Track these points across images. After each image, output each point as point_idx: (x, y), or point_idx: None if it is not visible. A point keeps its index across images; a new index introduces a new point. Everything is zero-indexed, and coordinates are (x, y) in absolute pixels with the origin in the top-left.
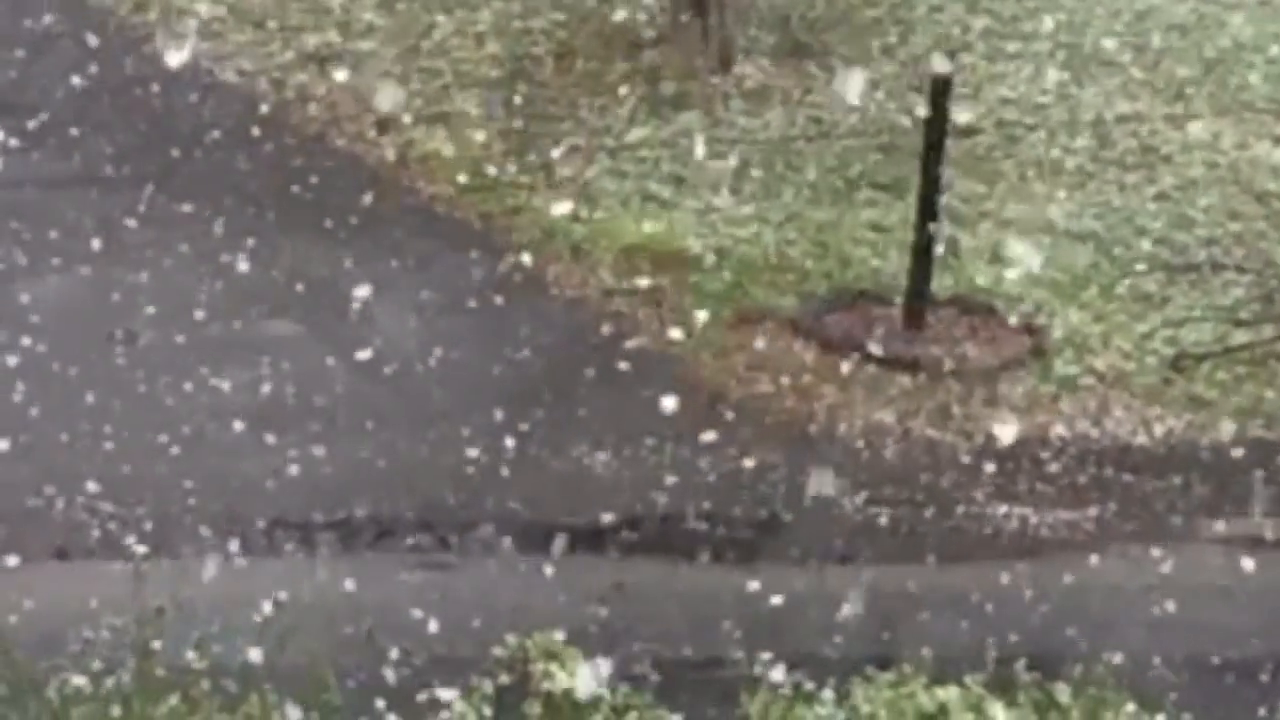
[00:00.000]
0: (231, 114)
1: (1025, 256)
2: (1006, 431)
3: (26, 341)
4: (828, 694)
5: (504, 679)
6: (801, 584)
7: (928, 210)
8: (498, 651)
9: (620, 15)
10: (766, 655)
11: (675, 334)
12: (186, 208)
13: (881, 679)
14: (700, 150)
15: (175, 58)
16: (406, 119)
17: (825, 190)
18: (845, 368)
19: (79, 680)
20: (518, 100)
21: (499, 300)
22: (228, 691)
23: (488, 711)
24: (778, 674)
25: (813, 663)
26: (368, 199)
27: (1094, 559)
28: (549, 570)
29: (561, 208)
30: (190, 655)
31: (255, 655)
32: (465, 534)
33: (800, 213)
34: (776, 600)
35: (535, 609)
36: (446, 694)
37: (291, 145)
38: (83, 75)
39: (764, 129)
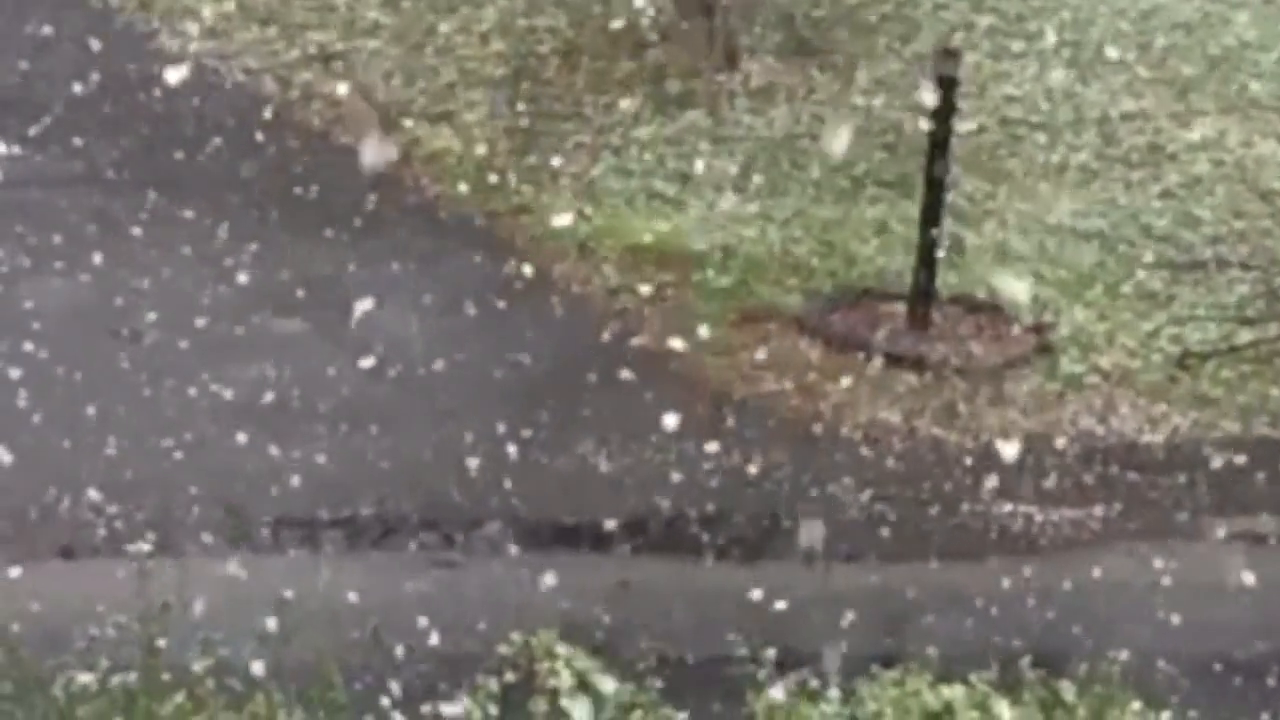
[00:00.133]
0: (236, 112)
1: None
2: (1009, 448)
3: (29, 343)
4: (833, 692)
5: (509, 677)
6: (807, 583)
7: (933, 208)
8: (503, 650)
9: (625, 14)
10: (772, 653)
11: (680, 333)
12: (191, 207)
13: (887, 677)
14: (705, 148)
15: (179, 56)
16: (410, 120)
17: (830, 188)
18: (851, 366)
19: (85, 678)
20: (522, 99)
21: (503, 300)
22: (233, 690)
23: (493, 710)
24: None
25: (819, 660)
26: (372, 198)
27: (1099, 557)
28: (554, 569)
29: (563, 219)
30: (195, 654)
31: (260, 654)
32: (470, 533)
33: (805, 211)
34: (782, 599)
35: (540, 607)
36: (451, 693)
37: (296, 144)
38: (86, 75)
39: (769, 127)
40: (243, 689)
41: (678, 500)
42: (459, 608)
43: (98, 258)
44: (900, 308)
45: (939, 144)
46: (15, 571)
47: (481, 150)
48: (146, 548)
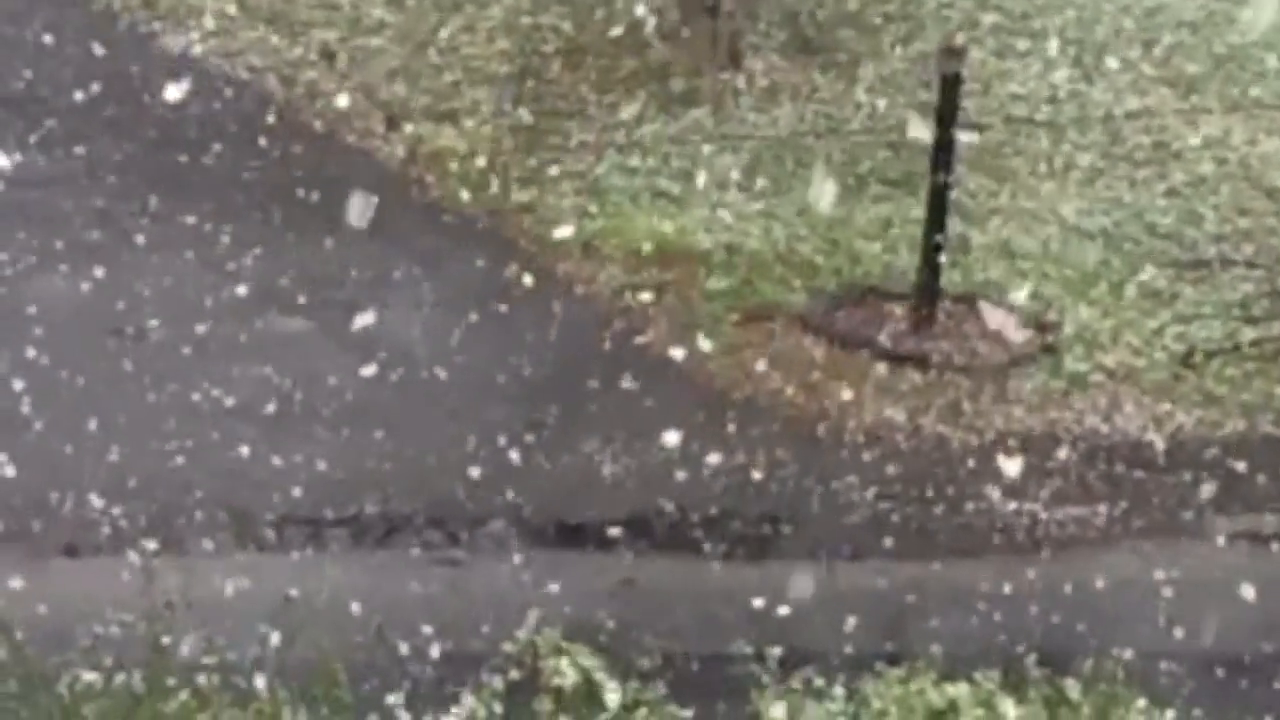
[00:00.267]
0: (241, 111)
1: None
2: (1012, 465)
3: (33, 343)
4: (838, 690)
5: (514, 675)
6: (812, 580)
7: (937, 206)
8: (508, 648)
9: (629, 14)
10: (776, 652)
11: (684, 332)
12: (194, 208)
13: (892, 675)
14: (709, 147)
15: (183, 55)
16: (414, 119)
17: (835, 186)
18: (855, 364)
19: (90, 676)
20: (526, 98)
21: (507, 299)
22: (237, 687)
23: (498, 707)
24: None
25: (823, 659)
26: (377, 195)
27: (1104, 556)
28: (558, 568)
29: (564, 231)
30: (200, 652)
31: (265, 652)
32: (475, 531)
33: (810, 209)
34: (786, 598)
35: (545, 606)
36: (456, 691)
37: (300, 142)
38: (90, 77)
39: (773, 125)
40: (247, 687)
41: (682, 499)
42: (463, 606)
43: (102, 258)
44: (905, 306)
45: (943, 143)
46: (20, 570)
47: (485, 149)
48: (151, 547)
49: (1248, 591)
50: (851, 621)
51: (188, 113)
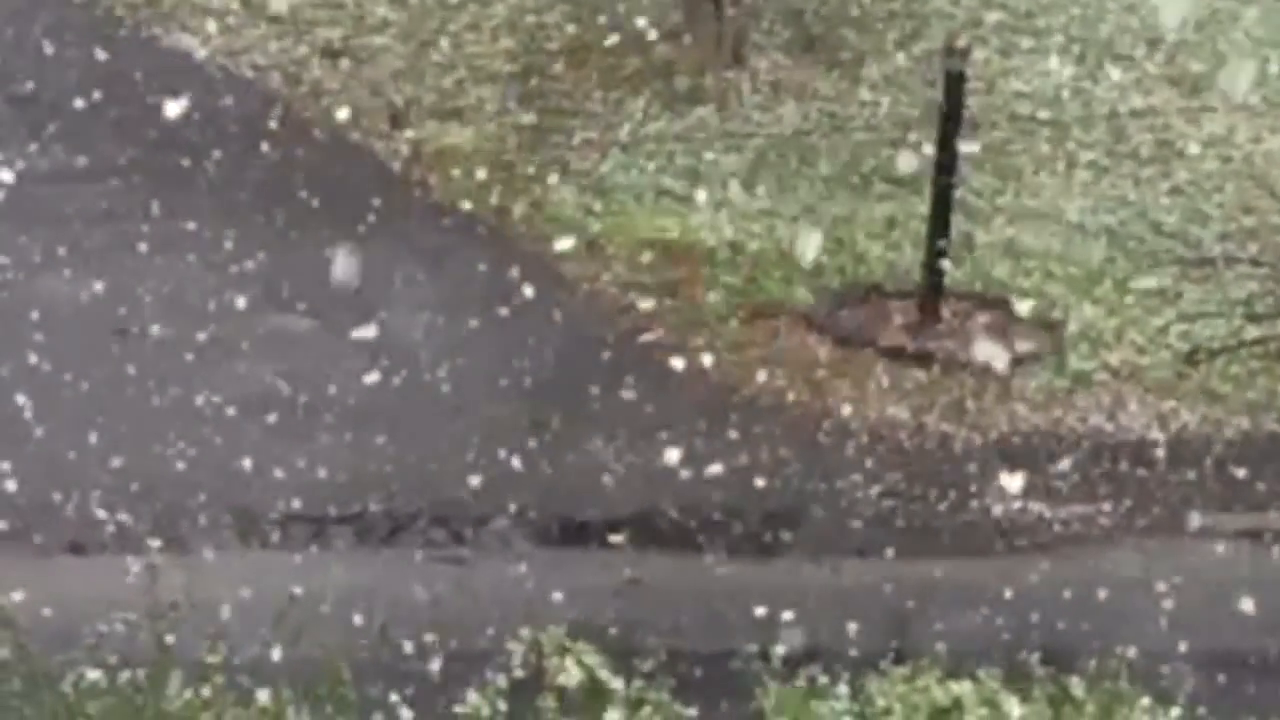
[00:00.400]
0: (244, 110)
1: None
2: (1014, 481)
3: (38, 342)
4: (842, 688)
5: (518, 673)
6: (816, 579)
7: (941, 205)
8: (512, 646)
9: (634, 9)
10: (781, 650)
11: (689, 328)
12: (198, 207)
13: (896, 673)
14: (714, 145)
15: (188, 54)
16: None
17: (839, 184)
18: (859, 362)
19: (94, 675)
20: (531, 96)
21: (511, 298)
22: (241, 686)
23: (502, 706)
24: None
25: (828, 657)
26: (381, 194)
27: (1108, 554)
28: (563, 565)
29: (564, 244)
30: (204, 650)
31: (269, 650)
32: (479, 529)
33: (814, 207)
34: (791, 596)
35: (549, 604)
36: (460, 690)
37: (304, 141)
38: (93, 75)
39: (777, 123)
40: (251, 686)
41: (686, 498)
42: (468, 605)
43: (105, 261)
44: (909, 304)
45: (947, 140)
46: (24, 569)
47: (490, 148)
48: (156, 545)
49: (1252, 590)
50: (855, 620)
51: (190, 113)
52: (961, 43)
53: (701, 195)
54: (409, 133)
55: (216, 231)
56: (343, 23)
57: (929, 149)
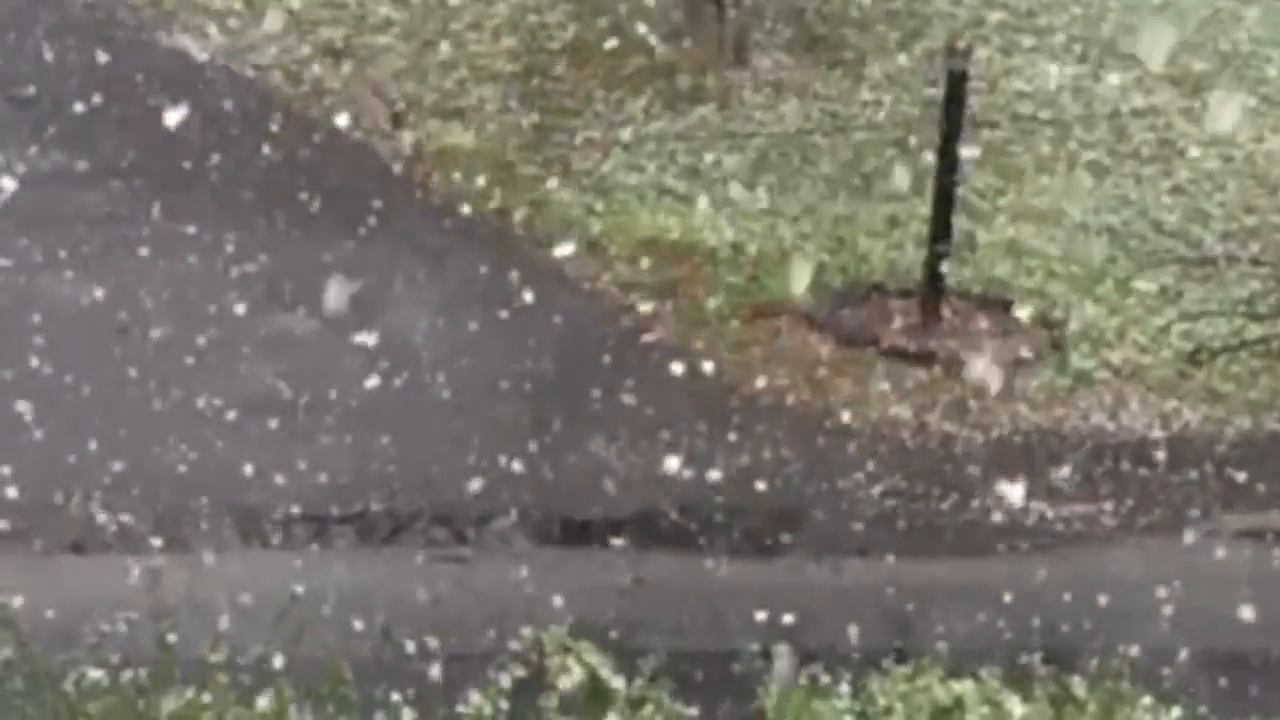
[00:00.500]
0: (246, 110)
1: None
2: (1015, 481)
3: (39, 347)
4: (844, 688)
5: (520, 673)
6: (818, 578)
7: (943, 204)
8: (514, 646)
9: (635, 9)
10: (783, 649)
11: (691, 327)
12: (200, 207)
13: (897, 672)
14: (716, 144)
15: (190, 53)
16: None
17: (841, 184)
18: (861, 362)
19: (96, 674)
20: (533, 95)
21: (513, 297)
22: (243, 685)
23: (504, 705)
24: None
25: (830, 656)
26: (383, 193)
27: (1110, 553)
28: (565, 564)
29: (564, 250)
30: (206, 649)
31: (271, 649)
32: (481, 528)
33: (816, 206)
34: (793, 595)
35: (551, 603)
36: (462, 689)
37: (306, 141)
38: (95, 75)
39: (779, 123)
40: (253, 685)
41: (689, 495)
42: (469, 604)
43: (107, 262)
44: (910, 303)
45: (949, 140)
46: (26, 568)
47: (492, 147)
48: (158, 544)
49: (1254, 589)
50: (857, 619)
51: (192, 113)
52: (963, 42)
53: (703, 195)
54: (411, 132)
55: (218, 233)
56: (345, 22)
57: (930, 148)
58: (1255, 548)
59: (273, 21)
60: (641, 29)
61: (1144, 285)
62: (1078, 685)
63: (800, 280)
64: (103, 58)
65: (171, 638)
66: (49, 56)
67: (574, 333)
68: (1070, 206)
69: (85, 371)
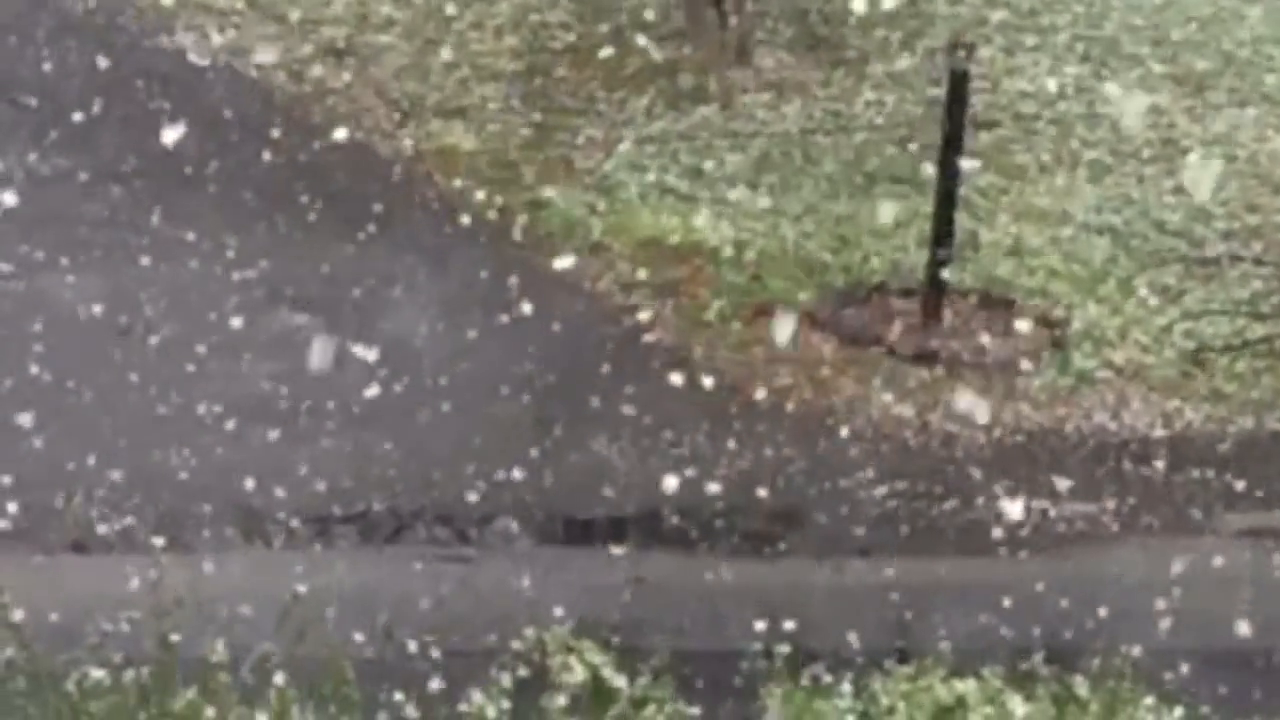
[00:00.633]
0: (250, 107)
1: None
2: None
3: (42, 349)
4: (846, 687)
5: (522, 672)
6: (820, 578)
7: (946, 203)
8: (516, 645)
9: (638, 9)
10: (785, 649)
11: (693, 327)
12: (202, 208)
13: (900, 672)
14: (718, 144)
15: (192, 53)
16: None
17: (843, 183)
18: (863, 361)
19: (98, 673)
20: (535, 94)
21: (515, 297)
22: (245, 685)
23: (506, 704)
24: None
25: (832, 656)
26: (384, 194)
27: (1112, 553)
28: (567, 564)
29: (564, 262)
30: (208, 649)
31: (273, 648)
32: (483, 528)
33: (818, 206)
34: (795, 594)
35: (553, 603)
36: (464, 688)
37: (308, 140)
38: (96, 75)
39: (781, 122)
40: (255, 684)
41: (692, 494)
42: (472, 604)
43: (109, 262)
44: (913, 303)
45: (951, 139)
46: (29, 567)
47: (494, 146)
48: (160, 543)
49: (1256, 588)
50: (860, 618)
51: (194, 113)
52: (966, 41)
53: (705, 194)
54: (412, 131)
55: (219, 237)
56: (347, 21)
57: (932, 148)
58: (1258, 547)
59: (274, 21)
60: (643, 30)
61: (1146, 285)
62: (1080, 685)
63: (784, 333)
64: (103, 61)
65: (174, 637)
66: (50, 60)
67: (576, 332)
68: (1072, 206)
69: (86, 376)
